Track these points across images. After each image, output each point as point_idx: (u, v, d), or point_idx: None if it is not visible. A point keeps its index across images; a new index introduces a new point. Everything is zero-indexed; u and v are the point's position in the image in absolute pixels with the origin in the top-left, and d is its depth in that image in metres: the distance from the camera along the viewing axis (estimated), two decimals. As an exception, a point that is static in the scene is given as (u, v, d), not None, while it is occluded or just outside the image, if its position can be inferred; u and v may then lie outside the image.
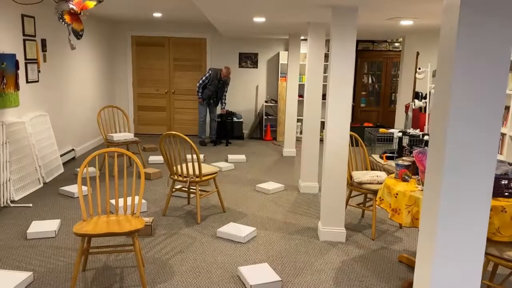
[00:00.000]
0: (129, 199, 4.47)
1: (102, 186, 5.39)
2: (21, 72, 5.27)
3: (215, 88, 7.69)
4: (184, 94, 9.21)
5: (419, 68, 6.27)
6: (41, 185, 5.31)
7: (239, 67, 9.10)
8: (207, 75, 7.62)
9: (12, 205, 4.58)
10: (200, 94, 7.74)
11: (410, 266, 3.49)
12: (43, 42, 5.83)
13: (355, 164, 4.43)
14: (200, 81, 7.63)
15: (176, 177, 4.33)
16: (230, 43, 9.02)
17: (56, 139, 6.09)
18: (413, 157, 3.50)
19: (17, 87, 5.11)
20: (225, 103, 7.95)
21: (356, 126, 8.85)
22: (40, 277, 3.14)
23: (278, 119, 8.99)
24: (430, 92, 6.28)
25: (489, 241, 2.77)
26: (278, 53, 9.04)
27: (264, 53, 9.10)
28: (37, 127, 5.46)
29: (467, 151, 1.75)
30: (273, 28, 6.35)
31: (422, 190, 3.13)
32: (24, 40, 5.31)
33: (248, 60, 9.09)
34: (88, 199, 3.05)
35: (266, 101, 9.22)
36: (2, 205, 4.48)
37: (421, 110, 6.91)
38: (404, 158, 3.76)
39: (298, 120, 9.22)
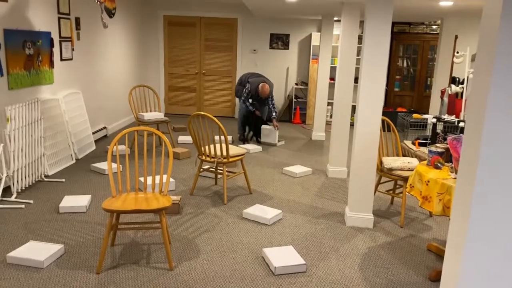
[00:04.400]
0: (157, 178, 4.54)
1: (131, 164, 5.50)
2: (56, 50, 5.39)
3: (258, 102, 7.11)
4: (214, 75, 9.22)
5: (457, 52, 6.04)
6: (74, 161, 5.46)
7: (270, 48, 9.01)
8: (246, 90, 6.89)
9: (46, 179, 4.74)
10: (248, 104, 6.97)
11: (439, 255, 3.42)
12: (77, 21, 5.92)
13: (386, 149, 4.35)
14: (243, 98, 6.89)
15: (204, 157, 4.36)
16: (261, 24, 8.93)
17: (88, 116, 6.23)
18: (447, 144, 3.40)
19: (51, 64, 5.23)
20: (275, 112, 7.02)
21: (389, 110, 8.67)
22: (71, 250, 3.25)
23: (308, 102, 8.89)
24: (468, 77, 6.06)
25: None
26: (310, 34, 8.89)
27: (296, 34, 8.97)
28: (70, 104, 5.59)
29: (504, 140, 1.67)
30: (305, 8, 6.23)
31: (455, 178, 3.05)
32: (59, 19, 5.40)
33: (279, 41, 8.98)
34: (117, 176, 3.11)
35: (296, 84, 9.12)
36: (36, 179, 4.64)
37: (457, 96, 6.70)
38: (437, 144, 3.66)
39: (329, 104, 9.10)
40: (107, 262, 3.12)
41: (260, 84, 6.86)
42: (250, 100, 7.03)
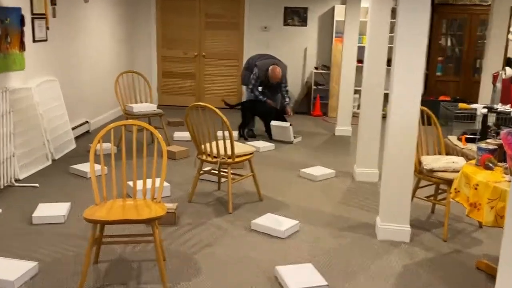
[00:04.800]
0: (149, 182, 4.56)
1: (118, 165, 5.53)
2: (27, 29, 5.44)
3: (270, 89, 7.07)
4: (216, 58, 9.24)
5: (513, 27, 5.98)
6: (50, 162, 5.51)
7: (284, 25, 9.00)
8: (254, 76, 6.88)
9: (16, 184, 4.79)
10: (258, 93, 6.96)
11: (490, 275, 3.40)
12: (53, -6, 5.97)
13: (426, 147, 4.32)
14: (250, 86, 6.91)
15: (204, 157, 4.37)
16: (273, -4, 8.92)
17: (67, 109, 6.28)
18: (500, 139, 3.37)
19: (22, 46, 5.28)
20: (288, 97, 7.06)
21: (429, 99, 8.61)
22: (46, 268, 3.29)
23: (331, 90, 8.87)
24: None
25: None
26: (333, 7, 8.85)
27: (315, 8, 8.94)
28: (45, 94, 5.64)
29: None
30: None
31: (510, 181, 3.02)
32: (31, -9, 5.45)
33: (296, 16, 8.96)
34: (102, 180, 3.14)
35: (316, 68, 9.10)
36: (5, 185, 4.69)
37: (513, 81, 6.63)
38: (488, 140, 3.63)
39: (356, 92, 9.05)
40: (89, 283, 3.14)
41: (270, 67, 6.83)
42: (260, 88, 7.01)
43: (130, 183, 4.60)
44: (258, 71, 6.86)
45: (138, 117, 6.01)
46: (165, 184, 4.71)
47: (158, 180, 4.53)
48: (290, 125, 6.80)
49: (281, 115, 6.96)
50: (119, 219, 2.91)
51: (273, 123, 6.88)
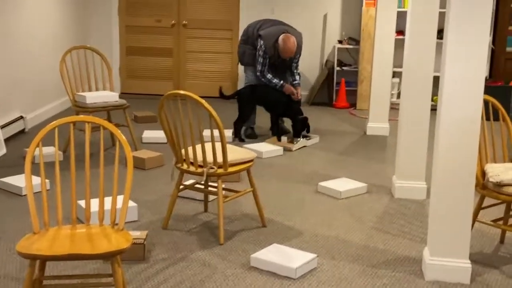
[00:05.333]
0: (108, 201, 4.55)
1: (65, 178, 5.53)
2: None
3: (276, 68, 7.05)
4: (202, 28, 9.25)
5: None
6: (-30, 174, 5.51)
7: (295, -17, 9.03)
8: (260, 51, 6.83)
9: None
10: (271, 77, 6.94)
11: None
12: None
13: (492, 151, 4.31)
14: (259, 68, 6.85)
15: (185, 166, 4.36)
16: None
17: (-6, 100, 6.29)
18: None
19: None
20: (298, 75, 7.19)
21: (497, 85, 8.60)
22: (-34, 322, 3.28)
23: (361, 73, 8.88)
24: None
25: None
26: (363, -42, 8.89)
27: (338, -41, 8.98)
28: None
29: None
30: None
31: None
32: None
33: (311, -30, 9.00)
34: (42, 198, 3.13)
35: (340, 41, 9.11)
36: None
37: None
38: None
39: (395, 75, 9.06)
40: None
41: (281, 36, 6.72)
42: (266, 71, 6.89)
43: (82, 203, 4.58)
44: (264, 44, 6.80)
45: (93, 110, 6.00)
46: (131, 204, 4.69)
47: (120, 199, 4.52)
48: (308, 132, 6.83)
49: (293, 108, 6.88)
50: (66, 254, 2.89)
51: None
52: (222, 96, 7.02)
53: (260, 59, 6.80)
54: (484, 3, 3.55)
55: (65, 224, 3.25)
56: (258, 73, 6.88)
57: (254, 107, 7.02)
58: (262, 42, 6.75)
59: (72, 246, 2.97)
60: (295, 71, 7.06)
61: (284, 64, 6.99)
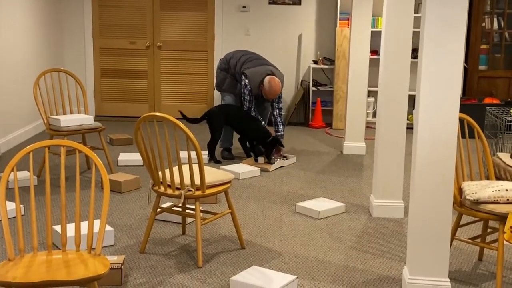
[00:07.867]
0: (84, 226, 4.52)
1: (40, 203, 5.46)
2: None
3: (259, 100, 7.13)
4: (177, 50, 9.26)
5: None
6: None
7: (269, 3, 9.08)
8: (246, 90, 6.87)
9: None
10: (256, 114, 7.07)
11: None
12: None
13: (469, 169, 4.35)
14: (247, 104, 6.89)
15: (162, 189, 4.34)
16: (254, -37, 9.01)
17: (-33, 124, 6.23)
18: None
19: None
20: (282, 126, 7.16)
21: (471, 103, 8.68)
22: None
23: (336, 92, 8.93)
24: None
25: None
26: (337, -21, 8.97)
27: (312, -20, 9.05)
28: None
29: None
30: None
31: None
32: None
33: (286, -9, 9.07)
34: (17, 224, 3.09)
35: (315, 62, 9.16)
36: None
37: None
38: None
39: (370, 94, 9.13)
40: None
41: (267, 79, 6.70)
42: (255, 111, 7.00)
43: (58, 228, 4.54)
44: (250, 84, 6.81)
45: (68, 133, 5.95)
46: (107, 228, 4.66)
47: (97, 223, 4.48)
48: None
49: (259, 131, 6.90)
50: (43, 281, 2.86)
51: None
52: (187, 119, 6.93)
53: (247, 97, 6.84)
54: (456, 27, 3.59)
55: (40, 250, 3.21)
56: (245, 109, 6.93)
57: (223, 125, 6.95)
58: (247, 81, 6.76)
59: (48, 272, 2.93)
60: (279, 120, 7.07)
61: (262, 100, 7.08)
